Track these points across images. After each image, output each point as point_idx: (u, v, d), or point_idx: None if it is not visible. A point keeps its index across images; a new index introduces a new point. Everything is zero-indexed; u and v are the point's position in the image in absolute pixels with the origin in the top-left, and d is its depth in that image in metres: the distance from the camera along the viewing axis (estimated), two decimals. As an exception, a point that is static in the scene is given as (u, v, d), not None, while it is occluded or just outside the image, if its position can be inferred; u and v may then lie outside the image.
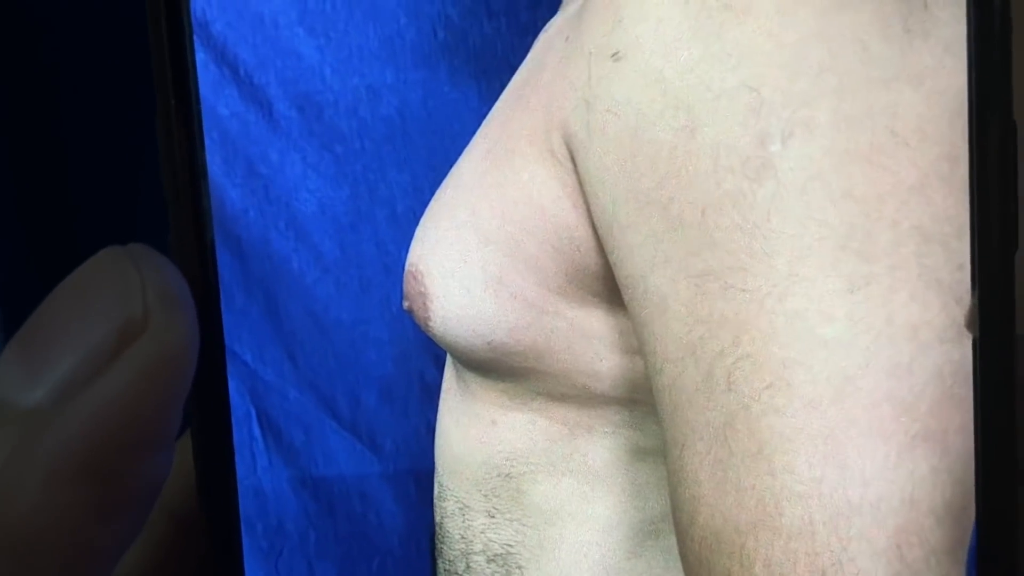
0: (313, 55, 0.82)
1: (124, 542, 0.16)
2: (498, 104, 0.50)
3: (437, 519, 0.54)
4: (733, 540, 0.32)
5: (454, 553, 0.52)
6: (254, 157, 0.84)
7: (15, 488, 0.15)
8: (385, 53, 0.82)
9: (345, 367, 0.87)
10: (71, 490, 0.15)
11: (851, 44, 0.33)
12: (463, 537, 0.51)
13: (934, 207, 0.32)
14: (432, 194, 0.50)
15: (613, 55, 0.37)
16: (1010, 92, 0.19)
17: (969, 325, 0.19)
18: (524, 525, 0.48)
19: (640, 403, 0.45)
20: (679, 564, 0.36)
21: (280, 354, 0.87)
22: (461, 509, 0.51)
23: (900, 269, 0.32)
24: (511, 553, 0.49)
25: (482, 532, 0.50)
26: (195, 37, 0.19)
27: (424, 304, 0.46)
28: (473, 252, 0.45)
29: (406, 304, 0.48)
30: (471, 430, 0.50)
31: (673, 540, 0.37)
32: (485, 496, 0.50)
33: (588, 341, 0.44)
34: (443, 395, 0.55)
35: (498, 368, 0.47)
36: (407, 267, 0.48)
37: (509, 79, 0.50)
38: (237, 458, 0.19)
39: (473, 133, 0.50)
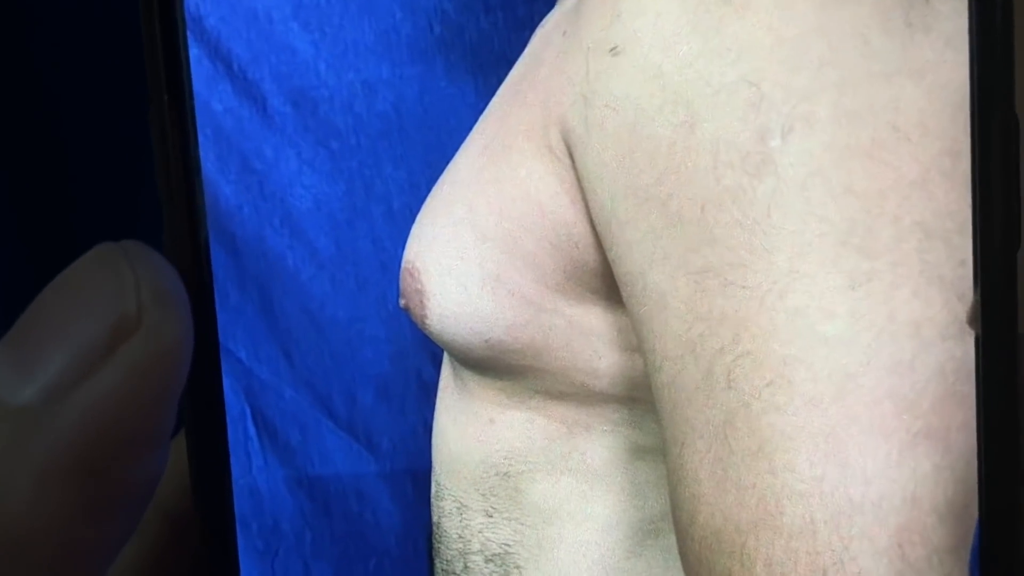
0: (308, 50, 0.82)
1: (118, 542, 0.16)
2: (495, 100, 0.49)
3: (434, 519, 0.54)
4: (734, 539, 0.32)
5: (452, 553, 0.52)
6: (248, 153, 0.84)
7: (6, 487, 0.15)
8: (381, 48, 0.81)
9: (341, 365, 0.87)
10: (63, 489, 0.15)
11: (852, 38, 0.32)
12: (461, 537, 0.51)
13: (936, 203, 0.32)
14: (429, 190, 0.50)
15: (611, 50, 0.37)
16: (1012, 86, 0.18)
17: (971, 322, 0.19)
18: (522, 524, 0.48)
19: (639, 401, 0.45)
20: (679, 563, 0.36)
21: (275, 352, 0.87)
22: (459, 508, 0.51)
23: (902, 265, 0.31)
24: (509, 553, 0.49)
25: (480, 531, 0.50)
26: (188, 32, 0.19)
27: (421, 302, 0.46)
28: (470, 249, 0.45)
29: (402, 302, 0.48)
30: (469, 429, 0.50)
31: (673, 539, 0.37)
32: (483, 495, 0.49)
33: (587, 339, 0.44)
34: (440, 393, 0.55)
35: (496, 366, 0.46)
36: (403, 264, 0.48)
37: (506, 74, 0.50)
38: (232, 457, 0.19)
39: (470, 129, 0.50)
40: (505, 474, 0.49)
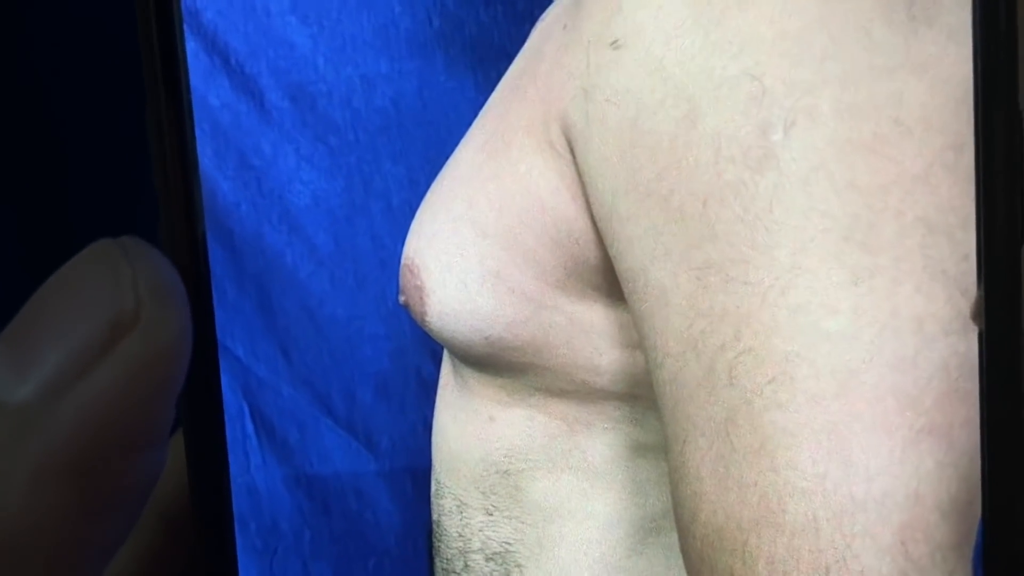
0: (306, 44, 0.82)
1: (115, 541, 0.16)
2: (495, 94, 0.49)
3: (434, 517, 0.54)
4: (735, 537, 0.32)
5: (452, 551, 0.52)
6: (246, 149, 0.83)
7: (2, 486, 0.14)
8: (379, 42, 0.81)
9: (340, 363, 0.87)
10: (60, 488, 0.15)
11: (854, 32, 0.32)
12: (461, 535, 0.51)
13: (939, 197, 0.31)
14: (428, 186, 0.50)
15: (613, 43, 0.36)
16: (1016, 80, 0.18)
17: (975, 317, 0.19)
18: (523, 523, 0.48)
19: (640, 398, 0.45)
20: (680, 561, 0.36)
21: (274, 350, 0.87)
22: (459, 507, 0.51)
23: (905, 261, 0.31)
24: (510, 551, 0.49)
25: (480, 530, 0.50)
26: (185, 26, 0.19)
27: (420, 299, 0.46)
28: (470, 245, 0.44)
29: (402, 299, 0.48)
30: (469, 426, 0.50)
31: (674, 537, 0.36)
32: (483, 493, 0.49)
33: (587, 335, 0.44)
34: (440, 391, 0.55)
35: (496, 363, 0.46)
36: (403, 261, 0.48)
37: (506, 68, 0.50)
38: (230, 456, 0.19)
39: (469, 124, 0.50)
40: (505, 472, 0.48)
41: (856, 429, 0.31)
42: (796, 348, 0.32)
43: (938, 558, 0.30)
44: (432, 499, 0.54)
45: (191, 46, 0.81)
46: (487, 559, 0.49)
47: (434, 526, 0.54)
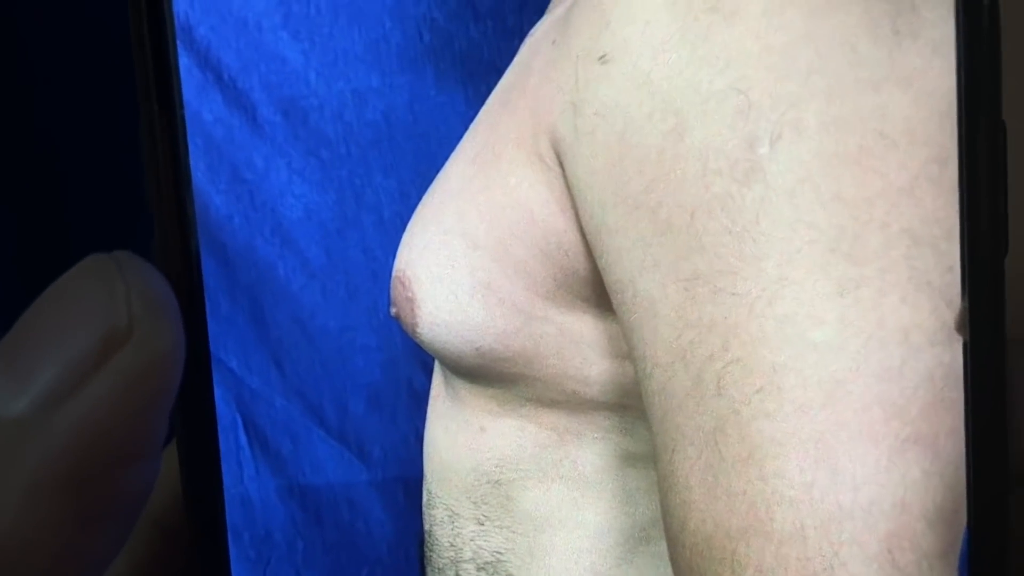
0: (298, 59, 0.82)
1: (109, 553, 0.16)
2: (485, 108, 0.49)
3: (426, 527, 0.54)
4: (724, 546, 0.32)
5: (443, 561, 0.52)
6: (239, 163, 0.83)
7: None
8: (370, 57, 0.81)
9: (332, 374, 0.86)
10: (55, 500, 0.15)
11: (839, 46, 0.33)
12: (452, 545, 0.51)
13: (924, 209, 0.32)
14: (419, 199, 0.50)
15: (601, 58, 0.37)
16: (999, 93, 0.19)
17: (959, 328, 0.19)
18: (514, 532, 0.48)
19: (630, 408, 0.45)
20: (670, 570, 0.36)
21: (266, 362, 0.87)
22: (450, 516, 0.51)
23: (890, 272, 0.31)
24: (501, 561, 0.49)
25: (472, 540, 0.50)
26: (178, 41, 0.19)
27: (412, 310, 0.46)
28: (461, 257, 0.45)
29: (393, 310, 0.48)
30: (460, 437, 0.50)
31: (664, 546, 0.37)
32: (474, 503, 0.49)
33: (577, 346, 0.44)
34: (431, 402, 0.55)
35: (487, 374, 0.46)
36: (394, 273, 0.48)
37: (496, 83, 0.50)
38: (223, 467, 0.19)
39: (460, 137, 0.50)
40: (496, 482, 0.48)
41: (843, 438, 0.31)
42: (783, 359, 0.32)
43: (924, 566, 0.31)
44: (424, 509, 0.54)
45: (184, 62, 0.81)
46: (478, 568, 0.49)
47: (426, 536, 0.54)
